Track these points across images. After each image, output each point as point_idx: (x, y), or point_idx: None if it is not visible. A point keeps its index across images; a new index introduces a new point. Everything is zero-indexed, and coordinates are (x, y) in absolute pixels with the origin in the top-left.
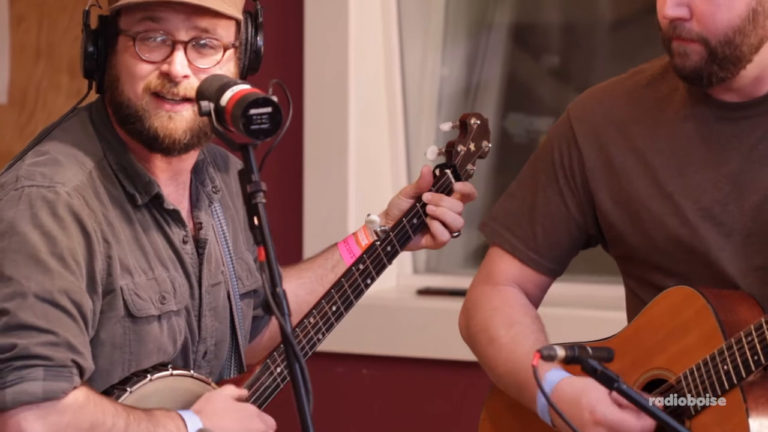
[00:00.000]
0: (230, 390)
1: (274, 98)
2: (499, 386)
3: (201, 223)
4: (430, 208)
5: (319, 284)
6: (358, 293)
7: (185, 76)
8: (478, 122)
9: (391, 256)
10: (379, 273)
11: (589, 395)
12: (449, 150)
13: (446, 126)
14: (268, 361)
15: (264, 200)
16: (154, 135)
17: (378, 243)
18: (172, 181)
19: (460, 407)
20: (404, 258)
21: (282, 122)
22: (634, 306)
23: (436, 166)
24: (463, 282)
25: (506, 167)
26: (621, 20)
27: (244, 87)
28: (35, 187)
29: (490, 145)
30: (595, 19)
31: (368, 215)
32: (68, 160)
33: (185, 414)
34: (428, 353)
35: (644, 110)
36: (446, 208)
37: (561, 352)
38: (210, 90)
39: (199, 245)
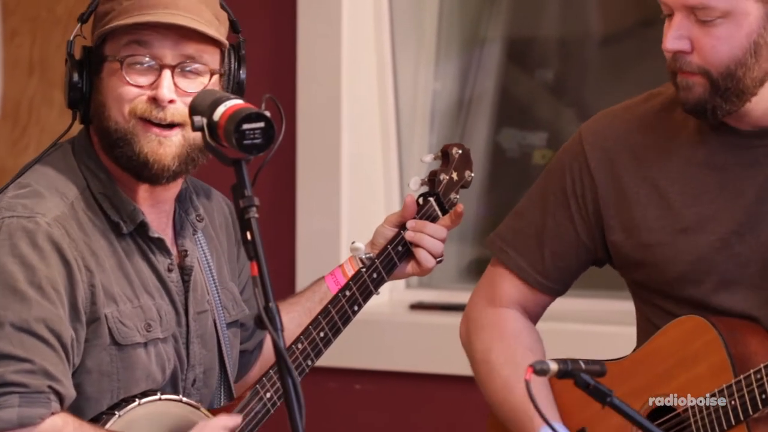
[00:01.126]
0: (223, 420)
1: (267, 113)
2: (500, 418)
3: (186, 251)
4: (409, 235)
5: (308, 317)
6: (346, 320)
7: (171, 101)
8: (460, 152)
9: (378, 284)
10: (365, 300)
11: None
12: (432, 179)
13: (428, 157)
14: (257, 386)
15: (257, 215)
16: (144, 160)
17: (364, 270)
18: (155, 209)
19: (453, 422)
20: None
21: (275, 137)
22: (645, 328)
23: (420, 195)
24: (455, 297)
25: (499, 182)
26: (614, 35)
27: (236, 102)
28: (15, 217)
29: (473, 174)
30: (588, 34)
31: (353, 243)
32: (49, 192)
33: None
34: (421, 368)
35: (658, 137)
36: (426, 235)
37: (554, 366)
38: (203, 105)
39: (185, 272)
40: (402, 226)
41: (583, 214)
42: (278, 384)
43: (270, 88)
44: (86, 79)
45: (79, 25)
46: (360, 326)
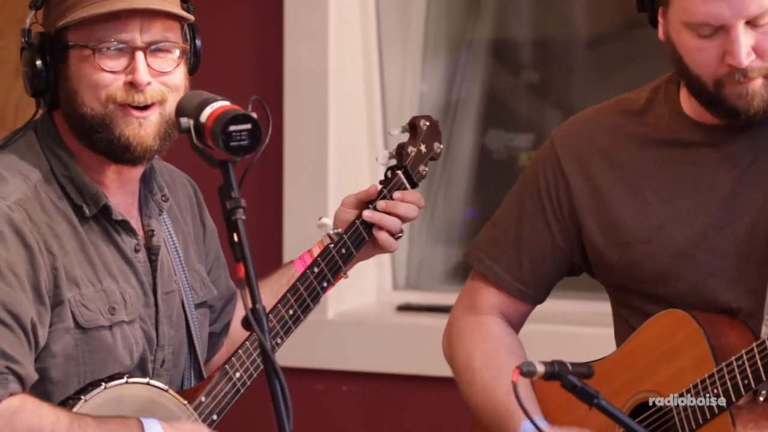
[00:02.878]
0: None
1: (254, 115)
2: (483, 422)
3: (153, 230)
4: (367, 214)
5: (275, 300)
6: (315, 297)
7: (148, 83)
8: (428, 124)
9: (347, 259)
10: (334, 276)
11: None
12: (400, 152)
13: (396, 130)
14: (226, 366)
15: (244, 217)
16: (126, 144)
17: (332, 246)
18: (121, 190)
19: (440, 423)
20: (384, 274)
21: (262, 139)
22: (623, 331)
23: (388, 168)
24: (442, 298)
25: (486, 184)
26: (600, 36)
27: (223, 103)
28: None
29: (441, 146)
30: (574, 36)
31: (320, 219)
32: (11, 175)
33: (147, 422)
34: (408, 369)
35: (630, 137)
36: (385, 214)
37: (540, 368)
38: (189, 106)
39: (152, 252)
40: (361, 207)
41: (559, 217)
42: (248, 363)
43: (257, 90)
44: (50, 65)
45: (32, 12)
46: (347, 328)
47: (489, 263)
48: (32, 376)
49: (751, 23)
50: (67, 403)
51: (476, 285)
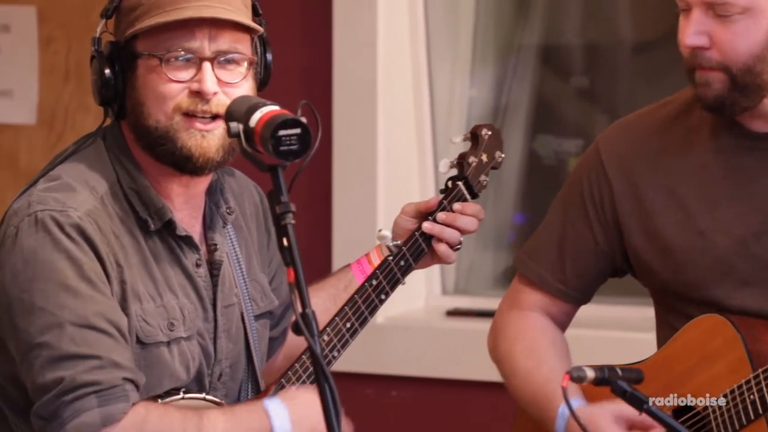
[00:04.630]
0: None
1: (303, 119)
2: (525, 410)
3: (216, 245)
4: (426, 226)
5: (333, 304)
6: (373, 309)
7: (215, 93)
8: (490, 133)
9: (405, 271)
10: (393, 288)
11: (596, 424)
12: (460, 162)
13: (458, 138)
14: (282, 380)
15: (293, 221)
16: (188, 154)
17: (391, 258)
18: (186, 204)
19: (489, 428)
20: (433, 279)
21: (311, 143)
22: (664, 332)
23: (449, 179)
24: (492, 303)
25: (535, 189)
26: (649, 41)
27: (273, 108)
28: (48, 211)
29: (503, 155)
30: (623, 41)
31: (380, 230)
32: (80, 185)
33: (270, 404)
34: (457, 374)
35: (673, 142)
36: (445, 227)
37: (591, 374)
38: (239, 111)
39: (214, 267)
40: (422, 217)
41: (602, 221)
42: (304, 377)
43: (306, 95)
44: (119, 74)
45: (103, 21)
46: (397, 332)
47: (532, 265)
48: (142, 378)
49: (713, 11)
50: None
51: (520, 287)
